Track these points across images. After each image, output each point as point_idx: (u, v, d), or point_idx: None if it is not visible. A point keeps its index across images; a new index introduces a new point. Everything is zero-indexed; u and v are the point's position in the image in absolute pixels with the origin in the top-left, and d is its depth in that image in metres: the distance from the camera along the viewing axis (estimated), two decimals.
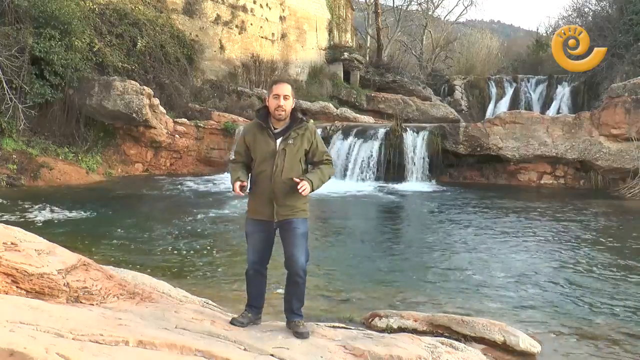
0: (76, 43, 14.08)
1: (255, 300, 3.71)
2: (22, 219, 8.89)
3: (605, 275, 6.53)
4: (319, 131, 16.24)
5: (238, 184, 3.53)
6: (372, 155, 15.37)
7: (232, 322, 3.55)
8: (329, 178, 3.70)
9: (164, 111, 15.68)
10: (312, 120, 3.96)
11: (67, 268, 3.48)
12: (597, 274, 6.60)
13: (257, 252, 3.65)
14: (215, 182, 14.16)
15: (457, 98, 26.93)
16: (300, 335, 3.43)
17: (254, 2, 21.46)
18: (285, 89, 3.58)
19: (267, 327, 3.66)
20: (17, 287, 3.07)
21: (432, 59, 34.45)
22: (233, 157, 3.82)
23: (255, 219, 3.64)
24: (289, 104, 3.57)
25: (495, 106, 26.35)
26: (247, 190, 3.59)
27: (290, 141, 3.57)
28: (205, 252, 7.31)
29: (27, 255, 3.25)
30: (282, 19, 23.15)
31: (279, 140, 3.58)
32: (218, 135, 16.23)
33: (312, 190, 3.51)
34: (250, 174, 3.68)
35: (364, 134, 15.99)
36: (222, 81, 19.52)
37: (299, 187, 3.44)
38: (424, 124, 17.52)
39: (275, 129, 3.60)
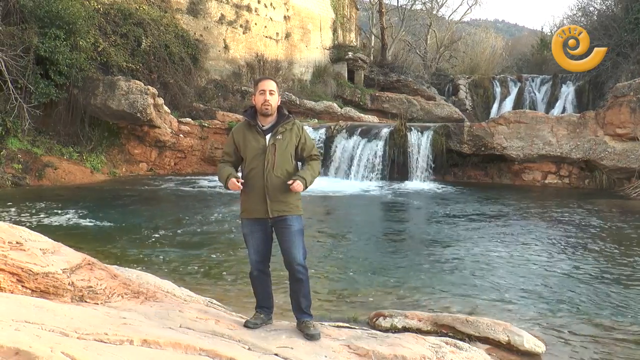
0: (81, 43, 14.13)
1: (264, 301, 3.71)
2: (26, 218, 8.93)
3: (610, 275, 6.51)
4: (322, 130, 16.39)
5: (233, 180, 3.56)
6: (376, 155, 15.37)
7: (246, 324, 3.55)
8: (319, 174, 3.77)
9: (168, 111, 15.73)
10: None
11: (72, 267, 3.49)
12: (602, 274, 6.57)
13: (259, 252, 3.65)
14: (219, 181, 14.18)
15: (461, 97, 26.84)
16: (312, 337, 3.40)
17: (258, 2, 21.47)
18: (271, 84, 3.63)
19: (271, 326, 3.66)
20: (22, 286, 3.08)
21: (437, 59, 34.36)
22: (222, 158, 3.81)
23: (250, 219, 3.64)
24: (274, 99, 3.62)
25: (499, 106, 26.24)
26: (242, 183, 3.59)
27: (279, 136, 3.60)
28: (209, 251, 7.32)
29: (32, 255, 3.26)
30: (286, 18, 23.15)
31: (268, 136, 3.61)
32: (222, 134, 16.25)
33: (306, 187, 3.56)
34: (240, 174, 3.70)
35: (368, 133, 15.98)
36: (226, 81, 19.56)
37: (289, 182, 3.49)
38: (428, 124, 17.51)
39: (263, 126, 3.64)
